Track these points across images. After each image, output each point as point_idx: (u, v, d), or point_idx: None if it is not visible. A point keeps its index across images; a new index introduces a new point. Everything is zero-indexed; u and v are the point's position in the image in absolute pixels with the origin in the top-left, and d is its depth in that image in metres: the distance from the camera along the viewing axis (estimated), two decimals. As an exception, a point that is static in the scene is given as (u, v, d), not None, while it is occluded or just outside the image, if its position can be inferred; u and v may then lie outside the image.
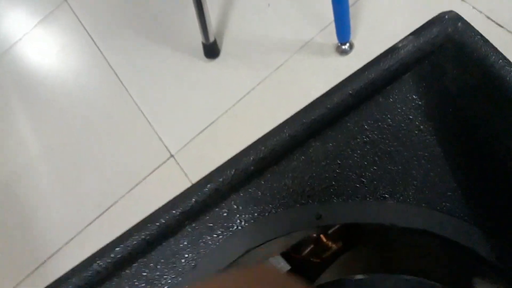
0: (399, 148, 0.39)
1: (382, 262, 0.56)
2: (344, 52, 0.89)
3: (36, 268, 0.94)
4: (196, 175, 0.91)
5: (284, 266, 0.55)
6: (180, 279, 0.37)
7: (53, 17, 1.22)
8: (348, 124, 0.40)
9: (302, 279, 0.26)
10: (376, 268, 0.57)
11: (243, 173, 0.37)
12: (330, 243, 0.57)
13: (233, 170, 0.37)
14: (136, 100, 1.02)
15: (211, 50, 1.00)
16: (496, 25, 0.82)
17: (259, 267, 0.25)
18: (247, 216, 0.39)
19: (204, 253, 0.38)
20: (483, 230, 0.38)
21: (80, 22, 1.18)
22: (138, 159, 0.96)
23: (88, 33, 1.15)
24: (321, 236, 0.51)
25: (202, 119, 0.96)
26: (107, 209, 0.94)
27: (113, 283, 0.37)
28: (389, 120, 0.40)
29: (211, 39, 0.98)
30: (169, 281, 0.37)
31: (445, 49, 0.38)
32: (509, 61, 0.35)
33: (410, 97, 0.40)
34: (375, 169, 0.39)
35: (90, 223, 0.94)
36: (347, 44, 0.89)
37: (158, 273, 0.38)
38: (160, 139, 0.97)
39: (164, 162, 0.94)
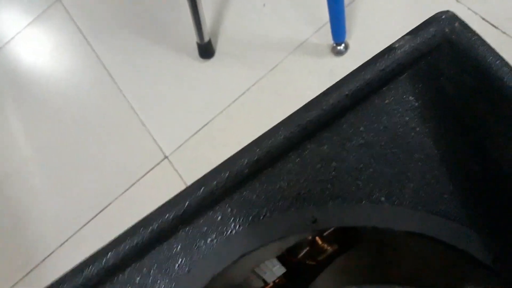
0: (395, 150, 0.39)
1: (377, 265, 0.55)
2: (339, 53, 0.89)
3: (31, 270, 0.93)
4: (191, 176, 0.90)
5: (279, 269, 0.54)
6: (174, 284, 0.37)
7: (46, 16, 1.21)
8: (344, 126, 0.39)
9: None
10: (371, 271, 0.57)
11: (238, 176, 0.36)
12: (325, 246, 0.57)
13: (227, 173, 0.36)
14: (130, 100, 1.02)
15: (206, 50, 0.99)
16: (491, 26, 0.81)
17: None
18: (241, 219, 0.38)
19: (198, 258, 0.37)
20: (479, 233, 0.37)
21: (74, 21, 1.17)
22: (132, 161, 0.95)
23: (81, 32, 1.14)
24: (317, 238, 0.51)
25: (197, 119, 0.95)
26: (101, 211, 0.93)
27: (105, 289, 0.36)
28: (385, 121, 0.39)
29: (206, 39, 0.97)
30: (163, 286, 0.37)
31: (442, 49, 0.37)
32: (507, 62, 0.34)
33: (406, 98, 0.39)
34: (371, 171, 0.39)
35: (85, 224, 0.93)
36: (343, 45, 0.88)
37: (151, 278, 0.37)
38: (154, 140, 0.96)
39: (158, 163, 0.93)
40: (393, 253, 0.52)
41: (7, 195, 1.02)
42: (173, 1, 1.09)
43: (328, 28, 0.89)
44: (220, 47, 1.00)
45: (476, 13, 0.85)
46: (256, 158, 0.36)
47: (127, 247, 0.36)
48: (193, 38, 0.98)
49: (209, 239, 0.38)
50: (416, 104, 0.39)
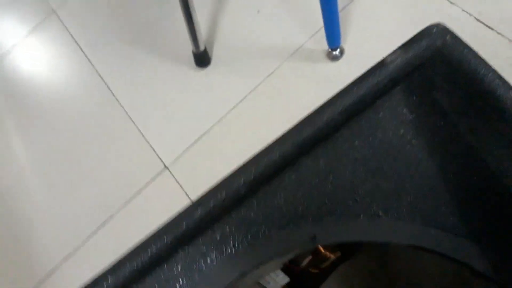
0: (391, 164, 0.39)
1: (379, 272, 0.55)
2: (335, 58, 0.89)
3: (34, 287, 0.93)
4: (192, 186, 0.90)
5: (283, 278, 0.55)
6: (174, 305, 0.37)
7: (41, 28, 1.21)
8: (339, 140, 0.39)
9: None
10: (374, 278, 0.57)
11: (235, 196, 0.37)
12: (328, 253, 0.57)
13: (224, 194, 0.36)
14: (128, 110, 1.02)
15: (202, 59, 0.99)
16: (486, 27, 0.81)
17: None
18: (241, 238, 0.38)
19: (199, 278, 0.37)
20: (478, 244, 0.37)
21: (69, 32, 1.17)
22: (132, 171, 0.96)
23: (77, 44, 1.14)
24: (319, 246, 0.51)
25: (196, 128, 0.95)
26: (103, 223, 0.93)
27: (106, 313, 0.37)
28: (380, 135, 0.39)
29: (202, 47, 0.97)
30: (164, 307, 0.37)
31: (434, 62, 0.37)
32: (499, 75, 0.34)
33: (400, 111, 0.39)
34: (367, 186, 0.39)
35: (87, 239, 0.93)
36: (338, 50, 0.88)
37: (152, 300, 0.37)
38: (154, 150, 0.96)
39: (159, 174, 0.93)
40: (394, 261, 0.52)
41: (9, 208, 1.02)
42: (168, 10, 1.09)
43: (323, 34, 0.89)
44: (216, 55, 1.00)
45: (470, 15, 0.84)
46: (252, 177, 0.36)
47: (127, 271, 0.36)
48: (188, 47, 0.98)
49: (209, 259, 0.38)
50: (411, 116, 0.39)
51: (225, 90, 0.96)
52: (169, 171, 0.93)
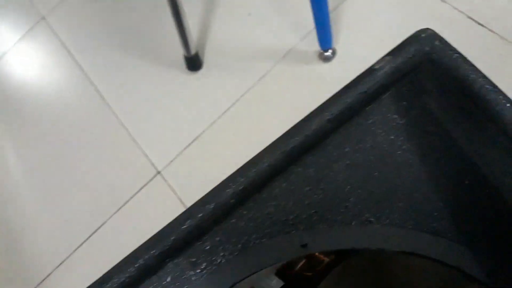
0: (383, 169, 0.38)
1: (374, 275, 0.55)
2: (327, 59, 0.88)
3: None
4: (185, 191, 0.90)
5: (277, 283, 0.54)
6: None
7: (31, 35, 1.20)
8: (329, 147, 0.39)
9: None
10: (368, 282, 0.56)
11: (224, 207, 0.36)
12: (322, 256, 0.56)
13: (213, 204, 0.36)
14: (119, 116, 1.01)
15: (194, 63, 0.99)
16: (477, 24, 0.81)
17: None
18: (231, 247, 0.38)
19: (189, 289, 0.37)
20: (471, 249, 0.37)
21: (59, 38, 1.16)
22: (125, 177, 0.95)
23: (67, 50, 1.13)
24: (312, 251, 0.50)
25: (188, 133, 0.94)
26: (96, 230, 0.92)
27: (96, 327, 0.36)
28: (370, 141, 0.39)
29: (193, 51, 0.96)
30: (154, 321, 0.36)
31: (423, 68, 0.37)
32: (489, 79, 0.34)
33: (390, 117, 0.39)
34: (359, 192, 0.38)
35: (80, 246, 0.92)
36: (330, 51, 0.88)
37: (142, 313, 0.36)
38: (146, 155, 0.95)
39: (151, 179, 0.92)
40: (389, 263, 0.52)
41: (1, 217, 1.01)
42: (158, 15, 1.08)
43: (314, 35, 0.88)
44: (207, 59, 0.99)
45: (461, 12, 0.84)
46: (241, 187, 0.36)
47: (115, 283, 0.35)
48: (180, 51, 0.97)
49: (198, 270, 0.37)
50: (401, 122, 0.39)
51: (217, 93, 0.96)
52: (162, 176, 0.92)
